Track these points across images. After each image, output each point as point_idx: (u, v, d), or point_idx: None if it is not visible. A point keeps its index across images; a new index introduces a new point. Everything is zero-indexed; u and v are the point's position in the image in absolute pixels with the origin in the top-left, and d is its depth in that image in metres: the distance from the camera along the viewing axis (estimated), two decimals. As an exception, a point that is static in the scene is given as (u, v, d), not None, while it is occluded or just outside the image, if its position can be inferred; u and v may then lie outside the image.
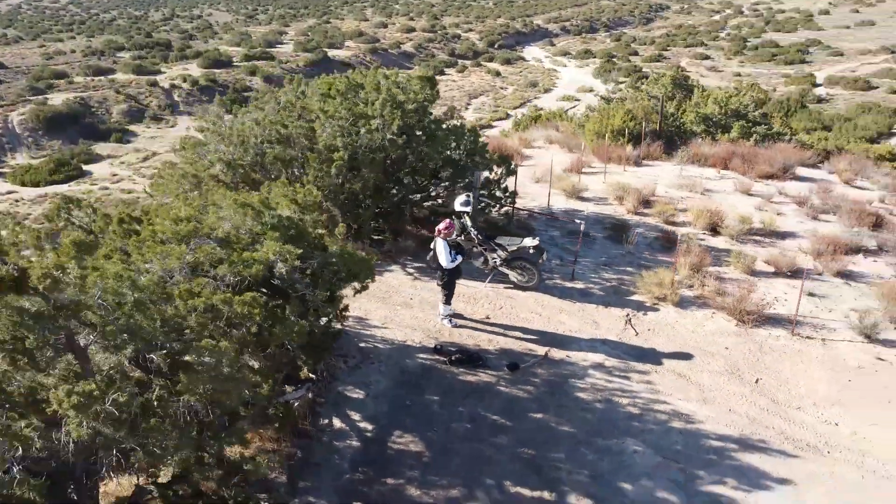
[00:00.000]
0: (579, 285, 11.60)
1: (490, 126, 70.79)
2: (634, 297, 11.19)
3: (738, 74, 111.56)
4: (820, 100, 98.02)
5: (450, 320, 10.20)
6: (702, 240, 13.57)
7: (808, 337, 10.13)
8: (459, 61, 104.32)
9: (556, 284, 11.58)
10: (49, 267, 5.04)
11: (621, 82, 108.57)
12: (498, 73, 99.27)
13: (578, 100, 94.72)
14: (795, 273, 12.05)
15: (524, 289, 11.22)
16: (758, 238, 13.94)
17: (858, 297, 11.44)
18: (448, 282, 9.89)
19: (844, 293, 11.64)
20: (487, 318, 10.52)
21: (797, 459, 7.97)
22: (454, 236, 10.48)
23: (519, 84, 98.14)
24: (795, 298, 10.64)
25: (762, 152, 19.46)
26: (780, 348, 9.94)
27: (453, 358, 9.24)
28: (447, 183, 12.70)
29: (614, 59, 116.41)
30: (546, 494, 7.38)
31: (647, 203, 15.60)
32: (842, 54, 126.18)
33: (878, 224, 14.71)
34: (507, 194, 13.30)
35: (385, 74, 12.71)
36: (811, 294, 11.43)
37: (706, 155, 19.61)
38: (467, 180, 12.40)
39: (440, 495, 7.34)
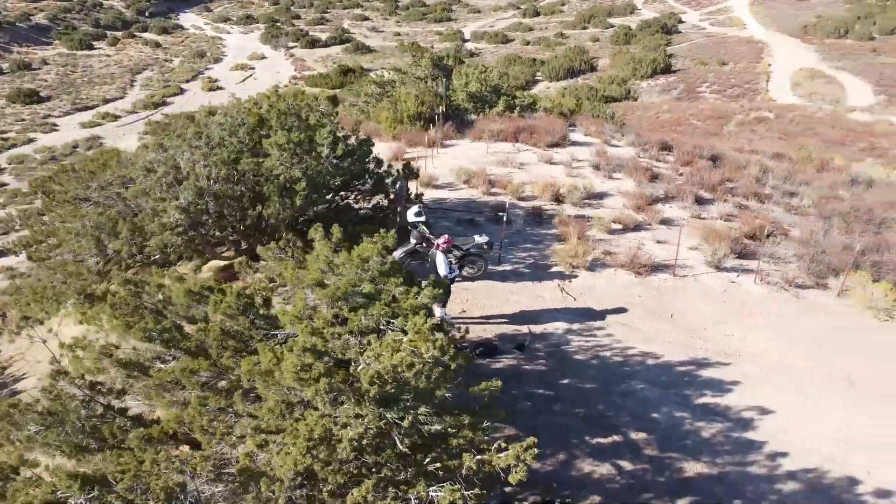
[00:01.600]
0: (508, 267, 13.75)
1: (164, 104, 66.69)
2: (556, 269, 13.75)
3: (398, 34, 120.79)
4: (472, 54, 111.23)
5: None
6: (554, 210, 16.64)
7: (683, 276, 13.83)
8: (109, 33, 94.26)
9: (490, 270, 13.55)
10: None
11: (292, 47, 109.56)
12: (158, 45, 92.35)
13: (253, 68, 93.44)
14: (637, 227, 15.83)
15: (473, 279, 12.98)
16: (588, 201, 17.51)
17: (685, 238, 15.60)
18: (446, 290, 11.22)
19: (672, 237, 15.73)
20: (463, 311, 12.12)
21: (729, 365, 11.43)
22: (413, 244, 11.79)
23: (185, 55, 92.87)
24: (649, 247, 14.30)
25: (539, 123, 23.40)
26: (671, 289, 13.47)
27: (477, 352, 10.76)
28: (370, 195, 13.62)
29: (279, 24, 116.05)
30: (616, 437, 9.63)
31: (490, 183, 18.15)
32: (479, 11, 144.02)
33: (654, 177, 19.44)
34: (414, 196, 14.65)
35: (297, 96, 12.96)
36: (658, 241, 15.26)
37: (495, 131, 22.84)
38: (392, 190, 13.49)
39: (549, 463, 9.11)
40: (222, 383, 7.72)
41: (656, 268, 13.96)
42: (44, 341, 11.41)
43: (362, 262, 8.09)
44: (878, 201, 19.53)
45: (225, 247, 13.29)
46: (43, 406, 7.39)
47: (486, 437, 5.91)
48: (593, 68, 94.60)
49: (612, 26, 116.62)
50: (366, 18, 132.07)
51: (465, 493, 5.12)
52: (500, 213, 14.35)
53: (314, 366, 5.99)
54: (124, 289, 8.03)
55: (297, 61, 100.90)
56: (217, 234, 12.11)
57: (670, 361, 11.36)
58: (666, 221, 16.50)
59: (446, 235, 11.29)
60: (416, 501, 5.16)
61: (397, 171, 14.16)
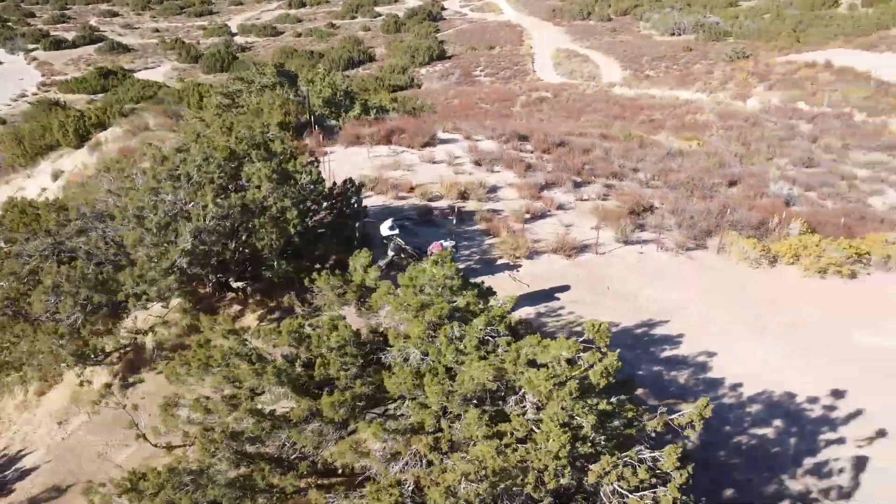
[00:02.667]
0: (462, 265, 15.09)
1: None
2: (501, 261, 15.38)
3: (157, 30, 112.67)
4: (243, 49, 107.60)
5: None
6: (463, 206, 18.24)
7: (603, 253, 16.24)
8: None
9: (449, 270, 14.78)
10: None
11: (32, 49, 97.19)
12: None
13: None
14: (543, 215, 18.02)
15: (441, 281, 14.15)
16: (488, 196, 19.34)
17: (584, 220, 18.10)
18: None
19: (575, 219, 18.17)
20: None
21: (669, 322, 13.98)
22: (391, 256, 12.82)
23: None
24: (562, 231, 16.61)
25: (406, 125, 24.67)
26: (598, 265, 15.79)
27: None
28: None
29: (9, 24, 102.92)
30: (624, 396, 11.57)
31: (395, 187, 19.20)
32: (241, 3, 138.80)
33: (528, 167, 21.80)
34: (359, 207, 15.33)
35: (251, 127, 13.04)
36: (566, 225, 17.57)
37: (365, 134, 23.73)
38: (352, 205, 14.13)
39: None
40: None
41: (580, 249, 16.19)
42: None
43: (445, 279, 9.09)
44: (698, 169, 23.81)
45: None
46: (193, 466, 7.46)
47: (638, 406, 7.42)
48: (371, 58, 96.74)
49: (379, 15, 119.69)
50: (115, 14, 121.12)
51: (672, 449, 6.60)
52: (450, 217, 15.60)
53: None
54: (232, 339, 8.19)
55: (43, 66, 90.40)
56: (200, 270, 11.97)
57: (627, 326, 13.62)
58: (561, 207, 18.88)
59: (440, 242, 12.39)
60: (640, 462, 6.53)
61: (352, 186, 14.74)
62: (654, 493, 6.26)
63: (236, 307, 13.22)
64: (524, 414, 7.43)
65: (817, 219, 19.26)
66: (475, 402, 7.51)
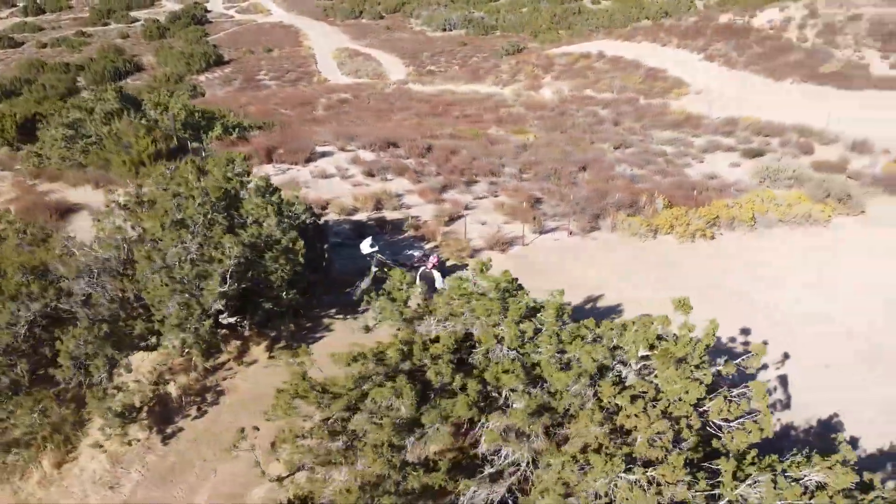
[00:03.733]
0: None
1: None
2: (450, 263, 16.95)
3: None
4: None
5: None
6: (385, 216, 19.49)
7: (528, 244, 18.49)
8: None
9: (412, 278, 16.04)
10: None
11: None
12: None
13: None
14: (458, 217, 19.86)
15: (413, 288, 15.42)
16: (402, 205, 20.71)
17: (491, 215, 20.23)
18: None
19: (485, 216, 20.23)
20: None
21: (604, 295, 16.63)
22: (374, 272, 14.06)
23: None
24: (482, 229, 18.66)
25: (280, 140, 24.88)
26: (527, 255, 18.02)
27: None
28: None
29: None
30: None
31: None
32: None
33: (417, 172, 23.42)
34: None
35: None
36: (482, 223, 19.58)
37: (248, 153, 23.64)
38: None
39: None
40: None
41: (509, 243, 18.28)
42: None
43: (506, 283, 10.64)
44: (551, 159, 27.09)
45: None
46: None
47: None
48: (139, 67, 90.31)
49: (136, 21, 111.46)
50: None
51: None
52: (405, 228, 16.78)
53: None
54: (362, 363, 9.04)
55: None
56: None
57: (578, 304, 16.00)
58: (468, 207, 20.82)
59: (435, 256, 13.71)
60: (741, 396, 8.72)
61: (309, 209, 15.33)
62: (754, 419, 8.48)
63: (234, 342, 13.36)
64: (625, 383, 9.29)
65: (666, 193, 23.28)
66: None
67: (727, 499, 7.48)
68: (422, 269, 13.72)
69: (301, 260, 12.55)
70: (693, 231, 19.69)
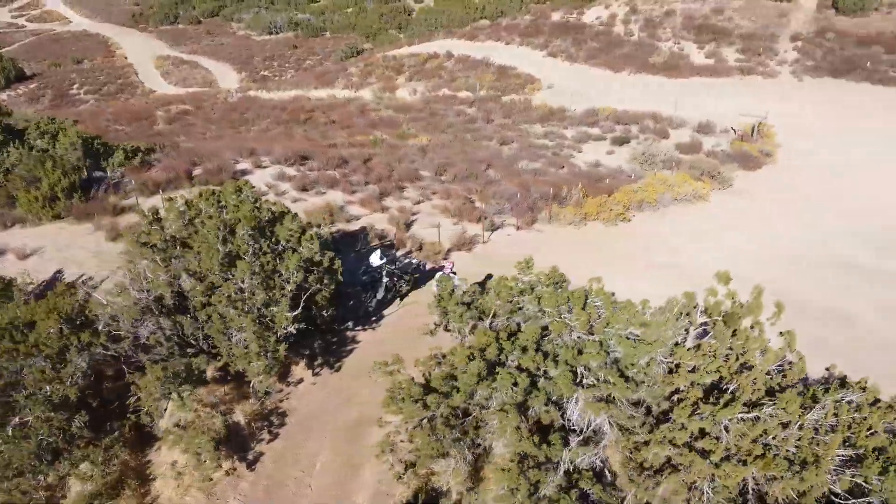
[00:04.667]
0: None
1: None
2: (428, 266, 18.12)
3: None
4: None
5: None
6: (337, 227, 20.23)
7: (485, 242, 20.11)
8: None
9: (403, 284, 17.06)
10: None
11: None
12: None
13: None
14: (411, 223, 21.03)
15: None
16: (350, 217, 21.44)
17: (438, 217, 21.61)
18: (459, 298, 15.01)
19: (435, 219, 21.55)
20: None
21: (568, 281, 18.71)
22: (385, 282, 15.21)
23: None
24: (432, 230, 20.13)
25: (189, 161, 24.35)
26: (491, 252, 19.64)
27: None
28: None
29: None
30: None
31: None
32: None
33: (350, 184, 24.11)
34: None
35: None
36: (433, 226, 20.90)
37: (162, 180, 23.04)
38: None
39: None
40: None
41: (471, 242, 19.79)
42: None
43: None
44: (461, 161, 28.87)
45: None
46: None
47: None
48: (-80, 90, 79.69)
49: None
50: None
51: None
52: (369, 239, 17.74)
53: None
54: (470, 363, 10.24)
55: None
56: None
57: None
58: (414, 213, 22.01)
59: (450, 261, 14.92)
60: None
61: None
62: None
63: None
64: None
65: (574, 183, 25.93)
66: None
67: (798, 423, 9.64)
68: (439, 273, 14.87)
69: (340, 278, 13.25)
70: (614, 215, 22.40)
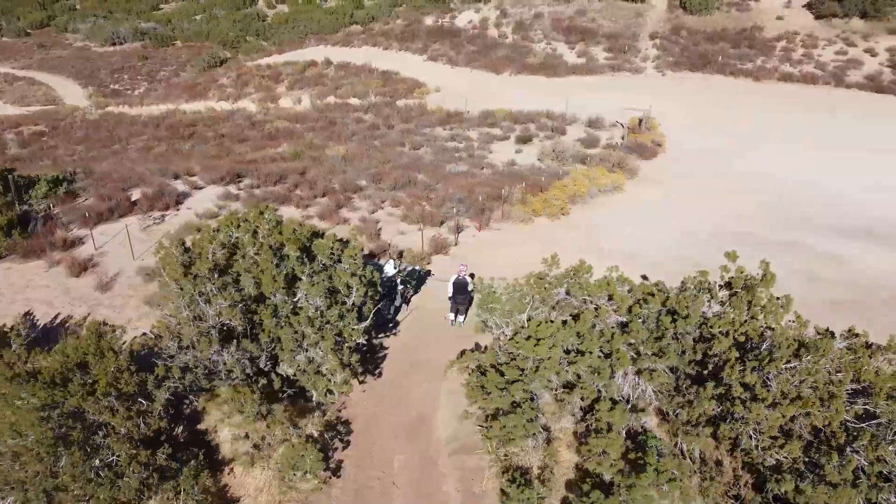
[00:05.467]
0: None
1: None
2: (413, 268, 19.20)
3: None
4: None
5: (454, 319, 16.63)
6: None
7: (456, 244, 21.44)
8: None
9: (401, 291, 18.05)
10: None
11: None
12: None
13: None
14: (379, 232, 21.97)
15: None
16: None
17: (399, 223, 22.65)
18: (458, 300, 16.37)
19: (398, 226, 22.55)
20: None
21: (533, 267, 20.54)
22: (401, 290, 16.38)
23: None
24: (402, 238, 21.30)
25: (136, 190, 23.63)
26: (463, 251, 20.99)
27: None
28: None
29: None
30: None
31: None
32: None
33: (302, 199, 24.49)
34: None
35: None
36: (402, 233, 21.95)
37: (98, 211, 22.31)
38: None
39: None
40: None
41: (445, 245, 21.04)
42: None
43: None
44: (387, 168, 29.87)
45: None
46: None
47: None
48: None
49: None
50: None
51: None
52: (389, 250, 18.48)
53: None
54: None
55: None
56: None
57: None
58: (376, 222, 22.90)
59: (464, 265, 16.15)
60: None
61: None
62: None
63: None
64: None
65: (504, 183, 27.82)
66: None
67: (816, 368, 11.92)
68: (455, 277, 16.07)
69: (380, 290, 14.11)
70: (556, 210, 24.52)
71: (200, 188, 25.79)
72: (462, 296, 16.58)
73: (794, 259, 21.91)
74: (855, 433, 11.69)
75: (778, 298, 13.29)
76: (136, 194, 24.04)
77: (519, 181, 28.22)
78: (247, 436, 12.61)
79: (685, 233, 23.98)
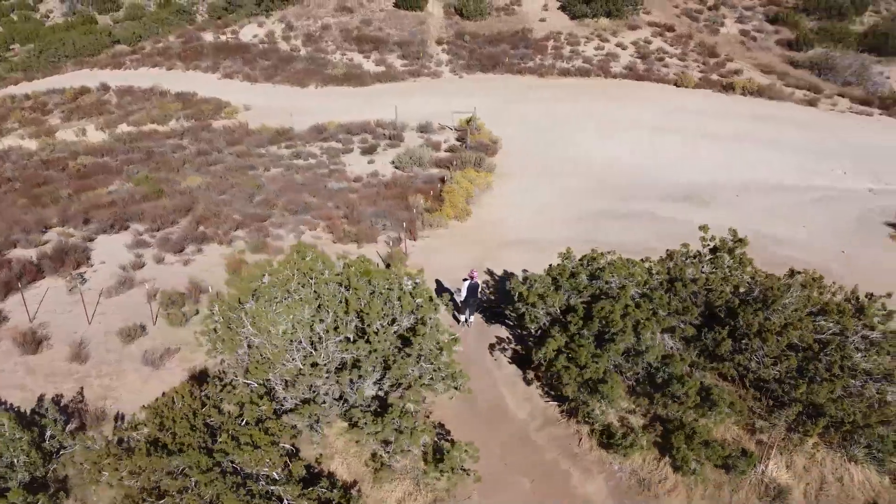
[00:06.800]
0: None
1: None
2: (396, 287, 20.46)
3: None
4: None
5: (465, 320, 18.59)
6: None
7: (409, 254, 22.89)
8: None
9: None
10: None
11: None
12: None
13: None
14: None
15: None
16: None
17: (335, 246, 23.52)
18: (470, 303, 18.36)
19: (332, 248, 23.35)
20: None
21: (476, 264, 22.96)
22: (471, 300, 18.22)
23: None
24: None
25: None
26: (416, 259, 22.56)
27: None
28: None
29: None
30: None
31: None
32: None
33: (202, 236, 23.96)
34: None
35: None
36: (347, 255, 22.89)
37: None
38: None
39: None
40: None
41: (398, 258, 22.37)
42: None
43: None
44: (267, 196, 29.86)
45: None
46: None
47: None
48: None
49: None
50: None
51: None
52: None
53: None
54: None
55: None
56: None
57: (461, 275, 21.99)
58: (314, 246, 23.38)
59: (474, 271, 17.99)
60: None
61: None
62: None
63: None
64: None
65: (397, 191, 29.50)
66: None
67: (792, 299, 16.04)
68: (469, 282, 17.86)
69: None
70: (463, 213, 27.00)
71: (91, 240, 23.81)
72: (473, 298, 18.43)
73: (651, 223, 26.97)
74: (823, 343, 16.00)
75: (749, 260, 17.35)
76: (13, 254, 21.70)
77: (408, 190, 30.10)
78: (373, 456, 13.50)
79: (566, 217, 27.94)
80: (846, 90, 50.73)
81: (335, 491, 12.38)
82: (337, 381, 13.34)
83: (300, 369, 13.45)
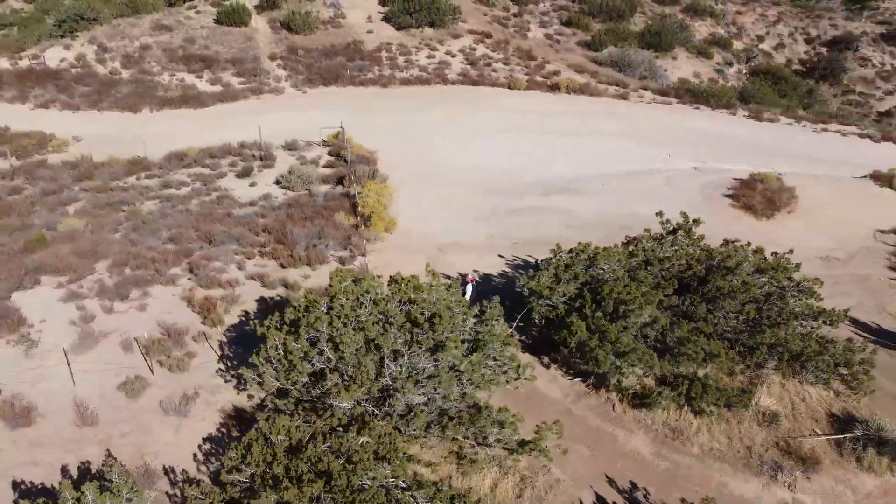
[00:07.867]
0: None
1: None
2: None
3: None
4: None
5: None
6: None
7: (365, 261, 23.52)
8: None
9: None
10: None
11: None
12: None
13: None
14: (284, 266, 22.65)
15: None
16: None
17: (281, 271, 23.58)
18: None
19: (277, 274, 23.36)
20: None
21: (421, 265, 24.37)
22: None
23: None
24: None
25: None
26: (373, 266, 23.31)
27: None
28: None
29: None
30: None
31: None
32: None
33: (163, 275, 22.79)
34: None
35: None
36: (306, 277, 23.06)
37: None
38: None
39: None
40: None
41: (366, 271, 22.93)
42: None
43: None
44: (177, 226, 28.55)
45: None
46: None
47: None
48: None
49: None
50: None
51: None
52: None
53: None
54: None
55: None
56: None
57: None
58: (259, 276, 23.19)
59: (472, 275, 19.38)
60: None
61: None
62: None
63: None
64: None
65: (312, 211, 29.58)
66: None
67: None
68: (468, 284, 19.25)
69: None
70: (392, 226, 28.05)
71: (6, 299, 21.45)
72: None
73: (552, 215, 30.17)
74: (767, 294, 19.65)
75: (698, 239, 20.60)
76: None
77: (321, 210, 30.29)
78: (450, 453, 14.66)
79: (478, 217, 30.11)
80: (644, 83, 58.36)
81: (450, 488, 13.26)
82: (426, 390, 14.18)
83: (391, 384, 14.07)
